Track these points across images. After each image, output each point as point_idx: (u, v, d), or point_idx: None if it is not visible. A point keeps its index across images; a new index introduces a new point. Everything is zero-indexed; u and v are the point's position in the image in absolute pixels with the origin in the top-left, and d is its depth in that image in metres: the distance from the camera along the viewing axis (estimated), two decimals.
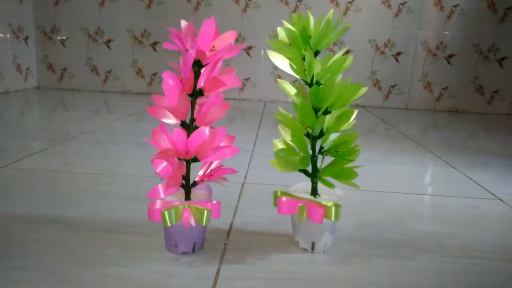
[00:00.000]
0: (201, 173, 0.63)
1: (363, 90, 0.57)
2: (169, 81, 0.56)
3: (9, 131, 1.40)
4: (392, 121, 1.99)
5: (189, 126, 0.59)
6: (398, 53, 2.36)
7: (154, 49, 2.44)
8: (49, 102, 2.12)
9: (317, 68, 0.58)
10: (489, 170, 1.18)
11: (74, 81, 2.52)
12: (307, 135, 0.61)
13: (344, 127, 0.59)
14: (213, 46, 0.56)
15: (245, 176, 1.00)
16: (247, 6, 2.34)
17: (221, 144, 0.59)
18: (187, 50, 0.56)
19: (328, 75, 0.57)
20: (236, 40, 2.37)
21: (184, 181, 0.60)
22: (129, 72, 2.48)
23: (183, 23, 0.58)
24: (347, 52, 2.36)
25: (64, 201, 0.80)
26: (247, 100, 2.42)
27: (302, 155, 0.60)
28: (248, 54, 2.39)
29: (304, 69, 0.57)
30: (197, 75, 0.58)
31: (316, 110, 0.59)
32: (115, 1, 2.39)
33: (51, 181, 0.91)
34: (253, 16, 2.35)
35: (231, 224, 0.72)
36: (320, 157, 0.62)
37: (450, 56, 2.35)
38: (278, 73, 2.39)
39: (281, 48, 0.58)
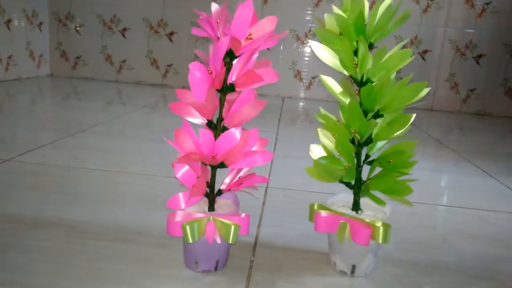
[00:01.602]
0: (227, 180, 0.54)
1: (426, 91, 0.48)
2: (196, 73, 0.48)
3: (18, 120, 1.33)
4: (417, 123, 1.89)
5: (216, 127, 0.51)
6: (425, 51, 2.25)
7: (170, 40, 2.36)
8: (61, 91, 2.06)
9: (369, 64, 0.50)
10: None
11: (88, 70, 2.46)
12: (352, 141, 0.52)
13: (397, 134, 0.50)
14: (250, 34, 0.47)
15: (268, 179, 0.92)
16: None
17: (253, 149, 0.51)
18: (218, 38, 0.48)
19: (382, 73, 0.49)
20: None
21: (208, 189, 0.53)
22: (144, 63, 2.41)
23: (214, 6, 0.49)
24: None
25: (71, 201, 0.72)
26: (264, 95, 2.33)
27: (346, 164, 0.52)
28: (268, 48, 2.29)
29: (356, 64, 0.48)
30: (229, 67, 0.50)
31: (365, 113, 0.50)
32: None
33: (58, 177, 0.84)
34: (274, 8, 2.25)
35: (257, 237, 0.64)
36: (365, 166, 0.54)
37: (479, 56, 2.24)
38: (297, 68, 2.30)
39: (329, 38, 0.49)
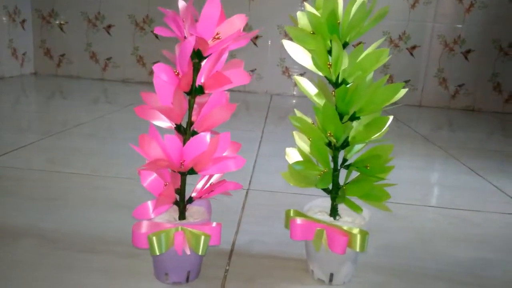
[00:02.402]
0: (199, 186, 0.52)
1: (403, 92, 0.46)
2: (161, 75, 0.45)
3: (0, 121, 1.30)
4: (405, 119, 1.88)
5: (185, 131, 0.49)
6: (413, 47, 2.24)
7: (156, 37, 2.32)
8: (45, 90, 2.02)
9: (344, 64, 0.47)
10: None
11: (72, 68, 2.41)
12: (328, 144, 0.50)
13: (375, 137, 0.48)
14: (217, 33, 0.45)
15: (250, 182, 0.89)
16: None
17: (224, 154, 0.49)
18: (185, 37, 0.45)
19: (358, 73, 0.46)
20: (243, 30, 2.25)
21: (178, 197, 0.50)
22: (130, 60, 2.36)
23: (181, 3, 0.47)
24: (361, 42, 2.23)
25: (43, 209, 0.70)
26: (253, 92, 2.31)
27: (323, 169, 0.49)
28: (255, 44, 2.27)
29: (330, 64, 0.46)
30: (196, 68, 0.47)
31: (341, 115, 0.48)
32: None
33: (32, 182, 0.81)
34: (261, 4, 2.22)
35: (233, 244, 0.62)
36: (343, 171, 0.51)
37: (468, 51, 2.23)
38: (285, 65, 2.27)
39: (301, 38, 0.47)
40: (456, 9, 2.19)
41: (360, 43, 2.27)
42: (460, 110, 2.26)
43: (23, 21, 2.31)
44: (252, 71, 2.29)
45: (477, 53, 2.22)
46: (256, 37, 2.26)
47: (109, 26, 2.33)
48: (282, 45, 2.11)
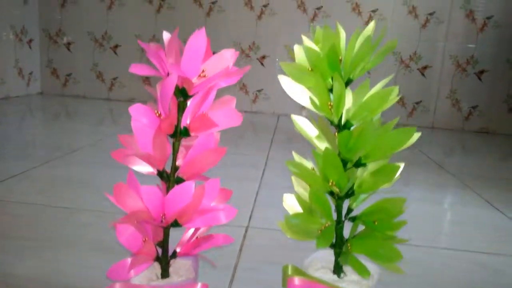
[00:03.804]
0: (185, 238, 0.46)
1: (416, 136, 0.40)
2: (140, 118, 0.40)
3: None
4: (416, 142, 1.81)
5: (169, 177, 0.43)
6: (425, 67, 2.18)
7: None
8: (50, 110, 2.00)
9: (348, 103, 0.42)
10: None
11: (79, 88, 2.39)
12: (331, 193, 0.44)
13: (383, 186, 0.42)
14: (203, 71, 0.40)
15: (250, 217, 0.83)
16: (262, 12, 2.18)
17: (212, 204, 0.43)
18: (168, 74, 0.40)
19: (364, 114, 0.41)
20: (250, 49, 2.22)
21: (160, 251, 0.44)
22: (136, 80, 2.34)
23: (166, 35, 0.42)
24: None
25: (19, 250, 0.64)
26: (259, 113, 2.26)
27: (324, 222, 0.43)
28: (262, 63, 2.23)
29: (330, 105, 0.41)
30: (181, 108, 0.42)
31: (345, 161, 0.42)
32: (123, 5, 2.26)
33: (14, 217, 0.76)
34: (268, 24, 2.19)
35: None
36: (347, 222, 0.45)
37: (481, 72, 2.16)
38: None
39: (297, 75, 0.41)
40: (468, 28, 2.13)
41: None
42: (474, 133, 2.18)
43: (30, 40, 2.31)
44: (259, 91, 2.25)
45: (491, 73, 2.15)
46: (263, 57, 2.23)
47: (116, 46, 2.32)
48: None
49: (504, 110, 2.18)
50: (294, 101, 0.45)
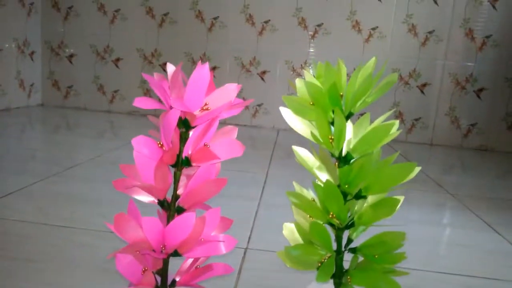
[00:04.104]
0: (185, 267, 0.46)
1: (416, 170, 0.41)
2: (142, 149, 0.40)
3: None
4: (415, 158, 1.82)
5: (169, 207, 0.43)
6: (424, 85, 2.19)
7: (164, 70, 2.31)
8: (51, 122, 2.00)
9: (348, 135, 0.42)
10: None
11: (80, 100, 2.40)
12: (331, 223, 0.44)
13: (383, 218, 0.43)
14: (206, 104, 0.40)
15: (249, 238, 0.83)
16: (263, 28, 2.21)
17: (212, 233, 0.43)
18: (171, 107, 0.41)
19: (364, 147, 0.41)
20: (250, 64, 2.23)
21: (159, 279, 0.44)
22: (137, 93, 2.35)
23: (170, 68, 0.42)
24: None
25: (14, 272, 0.64)
26: (259, 127, 2.27)
27: (324, 254, 0.44)
28: (262, 78, 2.24)
29: (331, 138, 0.41)
30: (183, 138, 0.42)
31: (345, 194, 0.42)
32: (126, 19, 2.28)
33: (10, 237, 0.76)
34: (270, 39, 2.21)
35: None
36: (347, 253, 0.45)
37: (480, 90, 2.17)
38: None
39: (299, 109, 0.42)
40: (467, 47, 2.15)
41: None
42: (472, 150, 2.19)
43: (32, 52, 2.33)
44: (259, 105, 2.26)
45: (489, 91, 2.17)
46: (264, 72, 2.24)
47: (118, 59, 2.33)
48: (290, 79, 2.10)
49: (502, 128, 2.19)
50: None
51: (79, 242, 0.76)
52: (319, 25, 2.18)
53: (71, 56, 2.37)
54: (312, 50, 2.20)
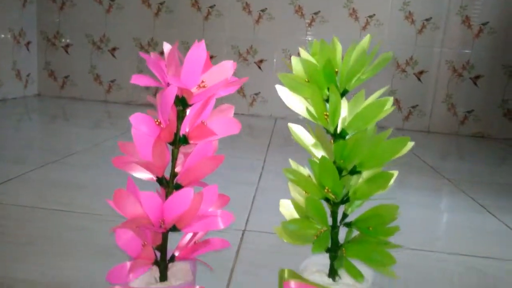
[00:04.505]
0: (183, 242, 0.47)
1: (409, 145, 0.41)
2: (140, 126, 0.41)
3: None
4: (412, 146, 1.83)
5: (168, 184, 0.44)
6: (421, 72, 2.20)
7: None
8: (48, 112, 2.00)
9: (343, 112, 0.43)
10: None
11: (76, 90, 2.40)
12: (327, 199, 0.45)
13: (378, 193, 0.43)
14: (203, 81, 0.41)
15: (247, 221, 0.84)
16: (260, 17, 2.20)
17: (210, 209, 0.44)
18: (168, 84, 0.41)
19: (359, 124, 0.42)
20: (247, 53, 2.23)
21: (158, 254, 0.45)
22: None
23: (166, 46, 0.43)
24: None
25: (17, 254, 0.65)
26: (257, 116, 2.27)
27: (320, 227, 0.44)
28: (259, 67, 2.24)
29: (327, 115, 0.42)
30: (180, 116, 0.43)
31: (340, 169, 0.43)
32: (122, 8, 2.27)
33: (11, 221, 0.76)
34: (266, 28, 2.21)
35: None
36: (342, 227, 0.46)
37: (477, 77, 2.18)
38: None
39: (295, 86, 0.42)
40: (464, 34, 2.15)
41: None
42: (469, 137, 2.20)
43: (28, 43, 2.31)
44: (256, 94, 2.27)
45: (486, 78, 2.18)
46: (261, 61, 2.24)
47: (114, 49, 2.33)
48: (287, 68, 2.11)
49: (499, 115, 2.20)
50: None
51: (77, 225, 0.77)
52: (316, 13, 2.17)
53: (67, 46, 2.35)
54: (309, 38, 2.20)
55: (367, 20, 2.16)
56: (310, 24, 2.19)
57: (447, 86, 2.20)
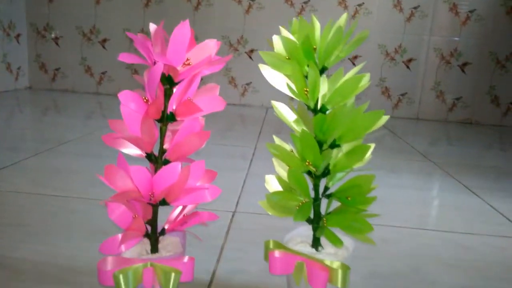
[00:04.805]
0: (173, 216, 0.50)
1: (384, 118, 0.44)
2: (129, 103, 0.43)
3: None
4: (401, 132, 1.86)
5: (157, 160, 0.46)
6: (409, 60, 2.22)
7: None
8: (39, 104, 2.00)
9: (323, 89, 0.45)
10: (511, 197, 1.05)
11: (67, 82, 2.40)
12: (309, 173, 0.48)
13: (357, 165, 0.46)
14: (188, 59, 0.43)
15: (237, 203, 0.87)
16: (250, 7, 2.21)
17: (198, 184, 0.46)
18: (154, 62, 0.43)
19: (338, 99, 0.44)
20: (238, 43, 2.24)
21: (149, 228, 0.47)
22: (125, 74, 2.35)
23: (152, 26, 0.45)
24: (355, 57, 2.22)
25: (16, 236, 0.67)
26: (248, 105, 2.29)
27: (302, 199, 0.47)
28: (250, 57, 2.26)
29: (306, 90, 0.44)
30: (167, 94, 0.45)
31: (320, 143, 0.45)
32: None
33: (7, 206, 0.78)
34: (256, 18, 2.22)
35: (213, 273, 0.59)
36: (324, 200, 0.49)
37: (465, 64, 2.21)
38: None
39: (276, 63, 0.44)
40: (452, 22, 2.18)
41: (356, 56, 2.24)
42: (457, 123, 2.24)
43: (18, 35, 2.30)
44: (247, 84, 2.28)
45: (474, 66, 2.21)
46: (252, 51, 2.25)
47: (104, 40, 2.33)
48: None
49: (486, 101, 2.24)
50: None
51: (74, 209, 0.79)
52: (305, 2, 2.19)
53: (57, 38, 2.35)
54: None
55: (356, 8, 2.18)
56: (299, 13, 2.20)
57: (435, 73, 2.23)
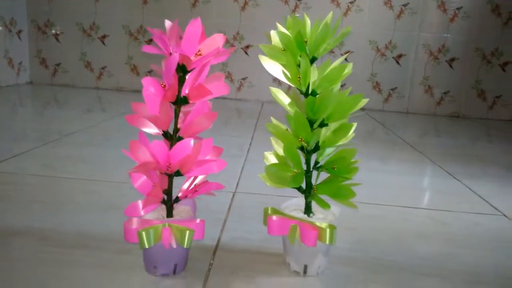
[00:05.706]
0: (185, 187, 0.57)
1: (364, 101, 0.52)
2: (149, 88, 0.51)
3: None
4: (392, 125, 1.95)
5: (172, 137, 0.54)
6: (399, 56, 2.31)
7: None
8: (41, 99, 2.07)
9: (313, 76, 0.53)
10: (490, 181, 1.13)
11: (68, 77, 2.46)
12: (301, 148, 0.56)
13: (342, 141, 0.54)
14: (199, 50, 0.50)
15: (237, 184, 0.95)
16: (246, 4, 2.28)
17: (207, 157, 0.54)
18: (170, 54, 0.51)
19: (326, 85, 0.52)
20: (234, 39, 2.32)
21: (165, 197, 0.55)
22: (124, 69, 2.42)
23: (167, 23, 0.52)
24: (347, 52, 2.30)
25: (37, 211, 0.74)
26: (244, 100, 2.37)
27: (296, 171, 0.55)
28: (246, 53, 2.33)
29: (299, 77, 0.52)
30: (181, 81, 0.53)
31: (311, 122, 0.54)
32: None
33: (27, 186, 0.86)
34: (252, 14, 2.29)
35: (218, 240, 0.67)
36: (315, 173, 0.57)
37: (452, 59, 2.30)
38: None
39: (273, 54, 0.52)
40: (441, 19, 2.27)
41: (347, 52, 2.32)
42: (445, 117, 2.33)
43: (19, 31, 2.36)
44: (243, 79, 2.36)
45: (461, 61, 2.30)
46: (247, 47, 2.33)
47: (104, 36, 2.39)
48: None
49: (473, 95, 2.34)
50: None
51: (85, 190, 0.86)
52: (299, 0, 2.26)
53: (58, 34, 2.41)
54: None
55: (348, 6, 2.26)
56: (294, 11, 2.28)
57: (424, 69, 2.32)
